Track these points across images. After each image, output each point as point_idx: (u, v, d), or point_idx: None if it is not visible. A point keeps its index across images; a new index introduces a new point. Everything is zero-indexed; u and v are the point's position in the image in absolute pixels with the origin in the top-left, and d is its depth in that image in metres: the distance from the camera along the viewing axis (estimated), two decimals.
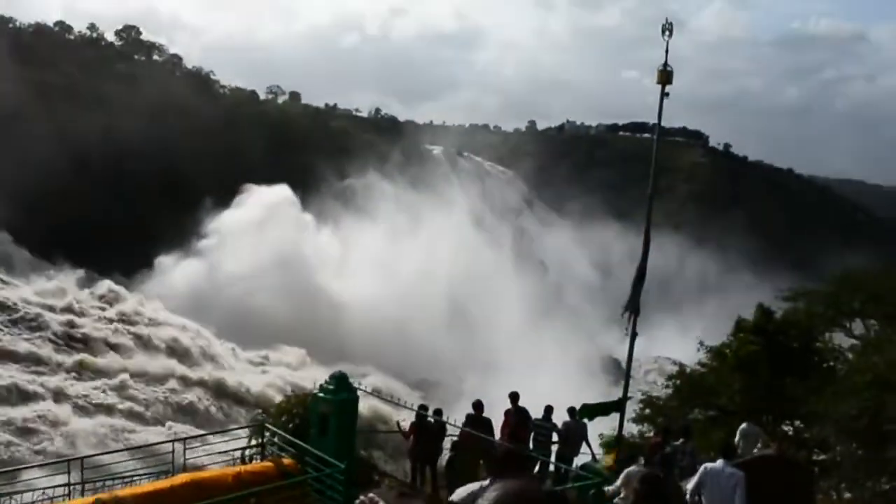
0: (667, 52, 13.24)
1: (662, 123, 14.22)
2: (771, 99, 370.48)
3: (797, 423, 17.43)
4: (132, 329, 43.96)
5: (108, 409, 36.34)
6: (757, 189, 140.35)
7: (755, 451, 15.80)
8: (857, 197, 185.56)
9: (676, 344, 51.54)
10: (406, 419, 15.64)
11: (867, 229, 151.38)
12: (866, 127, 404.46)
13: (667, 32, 13.30)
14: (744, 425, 16.02)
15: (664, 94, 13.63)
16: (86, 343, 41.17)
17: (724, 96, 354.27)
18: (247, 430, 14.83)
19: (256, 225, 60.12)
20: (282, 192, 65.13)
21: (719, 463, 9.37)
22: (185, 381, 40.84)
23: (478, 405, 14.85)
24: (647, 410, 23.20)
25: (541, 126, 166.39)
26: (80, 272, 51.91)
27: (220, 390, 41.63)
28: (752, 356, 19.12)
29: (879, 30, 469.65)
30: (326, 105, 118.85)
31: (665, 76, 13.41)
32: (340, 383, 13.50)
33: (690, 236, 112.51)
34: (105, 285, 48.51)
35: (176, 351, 43.63)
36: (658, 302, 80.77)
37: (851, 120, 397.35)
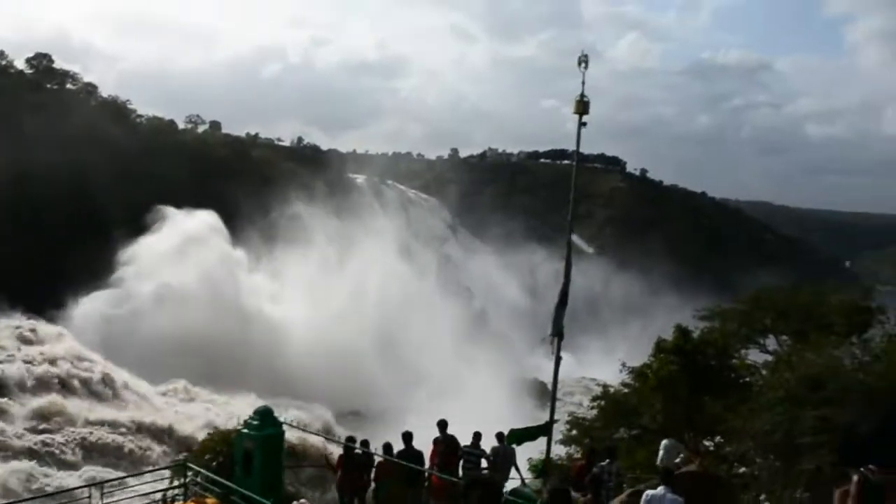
0: (583, 83, 13.64)
1: (581, 150, 14.60)
2: (684, 126, 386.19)
3: (717, 438, 17.95)
4: (43, 367, 42.00)
5: (19, 453, 34.54)
6: (673, 212, 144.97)
7: (677, 461, 16.32)
8: (765, 218, 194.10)
9: (603, 365, 52.45)
10: (333, 452, 15.40)
11: (778, 248, 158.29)
12: (773, 151, 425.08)
13: (583, 64, 13.71)
14: (665, 441, 16.54)
15: (582, 124, 14.02)
16: None
17: (640, 123, 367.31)
18: (168, 470, 14.36)
19: (176, 252, 58.50)
20: (206, 217, 63.67)
21: (660, 490, 9.53)
22: (102, 422, 39.17)
23: (407, 437, 14.76)
24: (574, 432, 23.57)
25: (463, 154, 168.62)
26: None
27: (139, 429, 40.01)
28: (672, 376, 19.65)
29: (784, 61, 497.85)
30: (248, 134, 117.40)
31: (582, 106, 13.80)
32: (265, 418, 13.26)
33: (614, 259, 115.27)
34: (14, 321, 46.36)
35: (90, 389, 41.89)
36: (585, 324, 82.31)
37: (759, 145, 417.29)
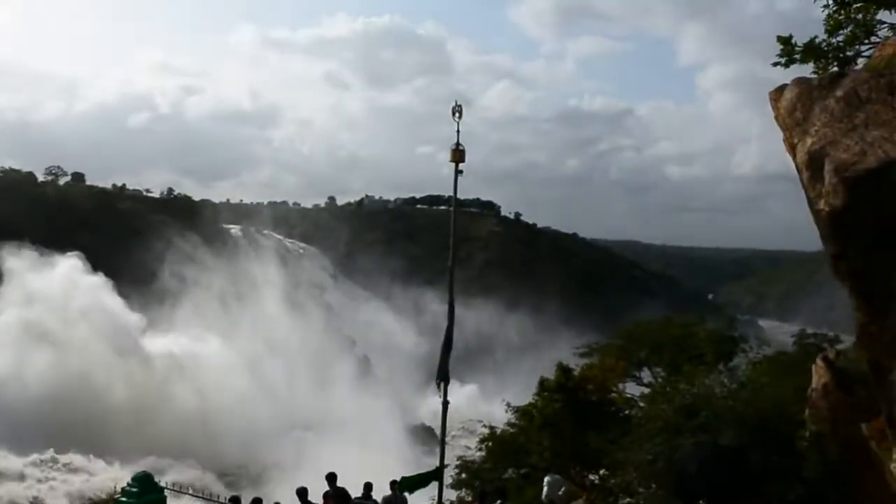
0: (458, 132, 14.03)
1: (458, 195, 14.94)
2: (554, 170, 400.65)
3: (602, 471, 18.43)
4: None
5: None
6: (548, 253, 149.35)
7: (560, 493, 16.63)
8: (634, 255, 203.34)
9: (496, 404, 52.88)
10: None
11: (647, 284, 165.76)
12: (637, 192, 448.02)
13: (457, 114, 14.12)
14: (547, 477, 16.85)
15: (458, 172, 14.37)
16: None
17: (513, 168, 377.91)
18: None
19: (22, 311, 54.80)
20: (66, 262, 60.16)
21: None
22: None
23: (302, 493, 14.38)
24: (463, 475, 23.57)
25: (341, 202, 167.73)
26: None
27: None
28: (557, 413, 20.10)
29: (644, 106, 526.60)
30: (114, 185, 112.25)
31: (458, 155, 14.18)
32: (145, 484, 12.59)
33: (501, 300, 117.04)
34: None
35: None
36: (479, 363, 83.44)
37: (624, 186, 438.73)
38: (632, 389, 25.15)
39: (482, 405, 65.32)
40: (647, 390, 23.02)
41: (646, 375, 27.05)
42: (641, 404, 18.74)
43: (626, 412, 20.17)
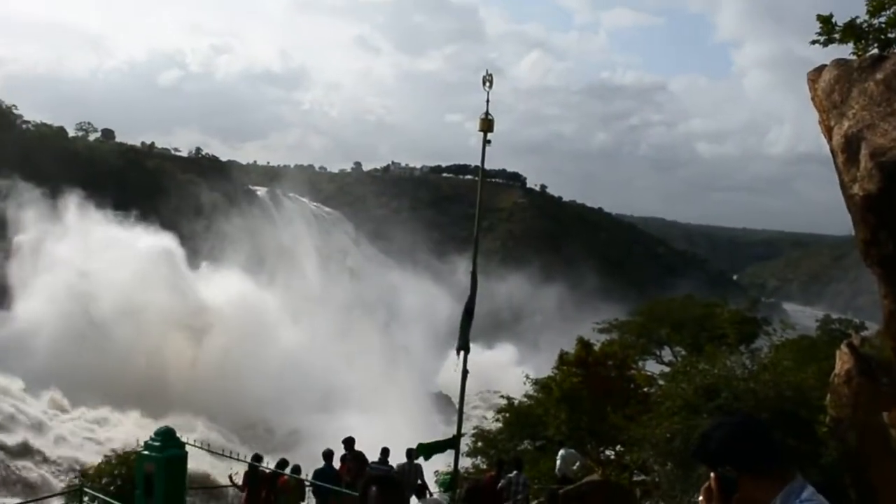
0: (487, 101, 13.89)
1: (485, 165, 14.84)
2: (582, 143, 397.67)
3: (619, 447, 18.54)
4: None
5: None
6: (572, 226, 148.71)
7: (574, 468, 16.79)
8: (658, 232, 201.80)
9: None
10: (239, 471, 15.12)
11: (671, 262, 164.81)
12: (665, 169, 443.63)
13: (487, 83, 13.97)
14: (562, 451, 17.00)
15: (486, 142, 14.27)
16: None
17: (541, 140, 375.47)
18: (63, 496, 13.69)
19: (66, 262, 55.49)
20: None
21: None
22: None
23: (327, 455, 14.66)
24: (480, 444, 23.86)
25: (367, 167, 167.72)
26: None
27: (26, 453, 37.81)
28: (575, 388, 20.18)
29: (677, 81, 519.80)
30: (143, 143, 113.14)
31: (487, 124, 14.06)
32: (167, 439, 12.80)
33: (527, 273, 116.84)
34: None
35: None
36: (511, 332, 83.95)
37: (653, 163, 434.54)
38: (651, 367, 25.19)
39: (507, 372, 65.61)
40: (666, 368, 23.04)
41: (666, 354, 27.09)
42: (661, 382, 18.75)
43: (645, 390, 20.21)
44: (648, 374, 22.76)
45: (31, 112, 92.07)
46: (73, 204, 62.10)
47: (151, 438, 12.76)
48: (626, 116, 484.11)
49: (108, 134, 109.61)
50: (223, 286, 61.06)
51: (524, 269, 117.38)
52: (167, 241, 60.71)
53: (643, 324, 28.39)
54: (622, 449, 17.86)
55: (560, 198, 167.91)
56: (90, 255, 55.89)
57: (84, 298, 52.31)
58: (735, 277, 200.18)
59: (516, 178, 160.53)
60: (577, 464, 17.11)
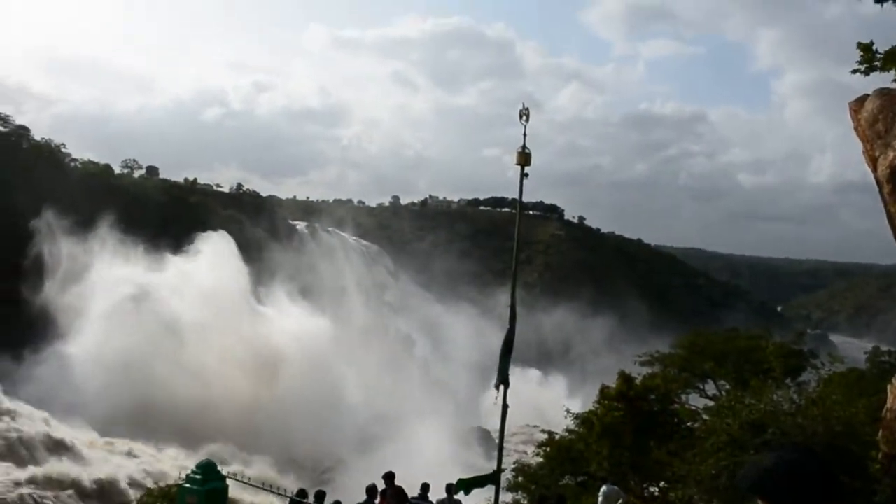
0: (525, 135, 13.91)
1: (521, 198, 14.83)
2: (620, 174, 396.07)
3: (662, 484, 18.16)
4: None
5: None
6: (611, 258, 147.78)
7: None
8: (698, 264, 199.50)
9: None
10: None
11: (712, 294, 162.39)
12: (705, 199, 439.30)
13: (524, 117, 14.02)
14: (604, 487, 16.68)
15: (524, 175, 14.28)
16: None
17: (578, 172, 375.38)
18: None
19: (131, 300, 56.51)
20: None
21: None
22: (39, 481, 37.35)
23: (371, 491, 14.61)
24: (520, 478, 23.55)
25: (404, 201, 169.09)
26: None
27: (70, 485, 38.31)
28: (616, 422, 19.86)
29: (717, 111, 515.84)
30: (186, 180, 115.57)
31: (524, 158, 14.07)
32: (208, 472, 12.87)
33: (569, 305, 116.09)
34: None
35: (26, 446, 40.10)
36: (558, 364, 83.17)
37: (692, 193, 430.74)
38: (695, 401, 24.72)
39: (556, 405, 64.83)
40: (710, 402, 22.58)
41: (709, 387, 26.56)
42: (705, 417, 18.38)
43: (689, 424, 19.82)
44: (692, 408, 22.33)
45: (79, 150, 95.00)
46: (118, 239, 63.49)
47: (193, 471, 12.83)
48: (665, 147, 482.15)
49: (152, 171, 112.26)
50: (283, 322, 61.88)
51: (568, 301, 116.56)
52: (228, 275, 61.78)
53: (685, 356, 27.93)
54: (666, 486, 17.48)
55: (598, 229, 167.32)
56: (141, 288, 57.01)
57: (136, 330, 53.25)
58: (779, 309, 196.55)
59: (553, 210, 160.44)
60: (620, 501, 16.78)
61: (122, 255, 62.18)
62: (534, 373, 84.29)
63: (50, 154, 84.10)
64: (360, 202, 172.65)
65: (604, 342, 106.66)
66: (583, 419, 22.00)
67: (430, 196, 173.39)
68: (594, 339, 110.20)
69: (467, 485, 14.95)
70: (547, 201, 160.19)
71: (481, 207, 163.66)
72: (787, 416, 11.64)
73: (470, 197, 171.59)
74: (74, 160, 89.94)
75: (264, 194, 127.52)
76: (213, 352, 54.31)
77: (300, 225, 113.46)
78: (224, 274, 61.51)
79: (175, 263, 62.51)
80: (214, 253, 64.53)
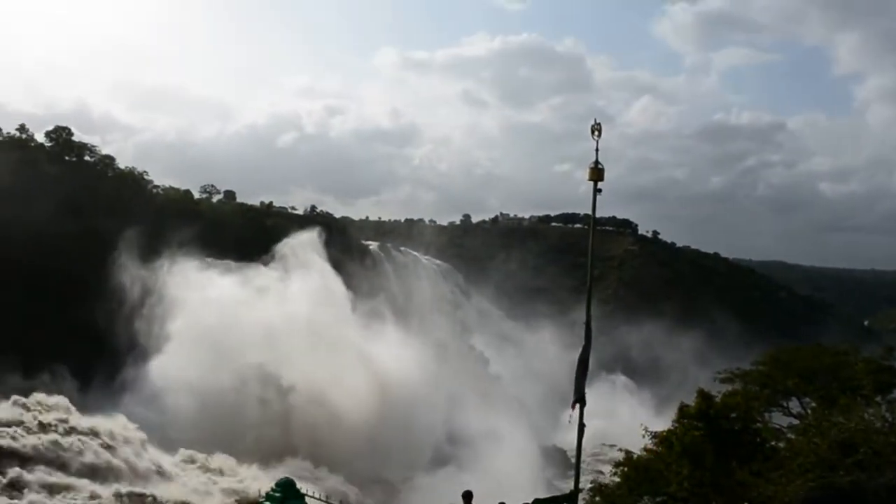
0: (597, 150, 13.79)
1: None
2: (696, 187, 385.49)
3: None
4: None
5: None
6: (687, 273, 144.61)
7: None
8: (779, 277, 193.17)
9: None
10: None
11: (793, 307, 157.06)
12: (785, 210, 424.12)
13: (595, 132, 13.90)
14: None
15: (597, 191, 14.13)
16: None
17: (651, 186, 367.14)
18: None
19: (201, 318, 57.97)
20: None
21: None
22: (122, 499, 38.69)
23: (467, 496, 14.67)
24: (597, 498, 23.12)
25: (475, 219, 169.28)
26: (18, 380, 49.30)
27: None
28: (696, 441, 19.32)
29: (796, 119, 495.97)
30: (262, 203, 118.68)
31: (596, 173, 13.94)
32: (287, 490, 13.12)
33: (656, 320, 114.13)
34: (54, 399, 46.35)
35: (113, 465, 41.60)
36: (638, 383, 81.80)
37: (772, 204, 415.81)
38: (778, 419, 23.89)
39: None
40: (794, 421, 21.80)
41: (794, 405, 25.62)
42: (790, 436, 17.74)
43: (773, 444, 19.14)
44: (775, 426, 21.57)
45: (161, 177, 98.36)
46: (198, 261, 65.47)
47: (272, 489, 13.11)
48: (743, 158, 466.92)
49: (229, 195, 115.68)
50: (378, 342, 62.61)
51: (650, 316, 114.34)
52: (323, 293, 62.99)
53: (767, 373, 27.04)
54: None
55: (673, 243, 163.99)
56: (224, 310, 58.56)
57: (221, 352, 54.57)
58: (866, 323, 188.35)
59: (627, 225, 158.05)
60: None
61: (205, 277, 64.02)
62: (621, 379, 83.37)
63: (133, 181, 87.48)
64: (431, 221, 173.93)
65: (694, 357, 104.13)
66: (661, 438, 21.51)
67: (501, 213, 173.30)
68: (683, 354, 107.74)
69: None
70: (620, 216, 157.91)
71: (553, 224, 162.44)
72: (879, 434, 11.16)
73: (541, 214, 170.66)
74: (156, 186, 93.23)
75: (338, 215, 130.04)
76: (310, 368, 55.00)
77: (373, 245, 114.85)
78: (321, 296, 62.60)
79: (260, 278, 64.02)
80: (305, 267, 65.77)
